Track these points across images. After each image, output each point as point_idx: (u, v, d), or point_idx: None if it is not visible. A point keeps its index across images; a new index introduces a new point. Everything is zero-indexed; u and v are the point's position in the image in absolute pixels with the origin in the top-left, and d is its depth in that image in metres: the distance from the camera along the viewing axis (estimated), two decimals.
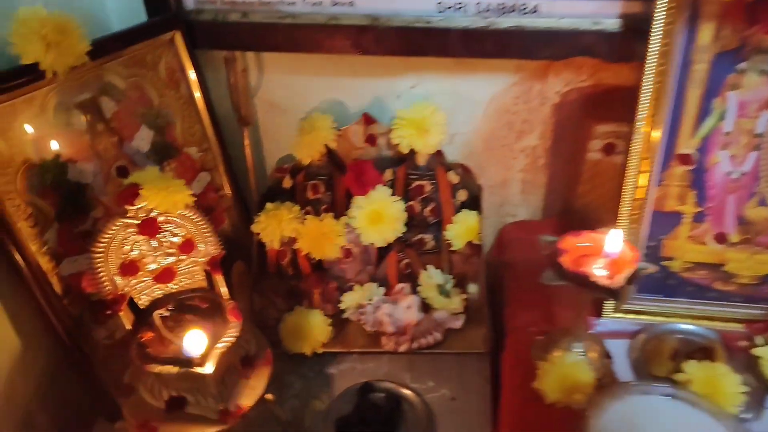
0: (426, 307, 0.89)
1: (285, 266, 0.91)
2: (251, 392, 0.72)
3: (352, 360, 0.90)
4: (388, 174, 0.94)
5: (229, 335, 0.70)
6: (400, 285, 0.89)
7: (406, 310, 0.85)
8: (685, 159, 0.77)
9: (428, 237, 0.95)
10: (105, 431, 0.83)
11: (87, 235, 0.78)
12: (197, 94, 0.88)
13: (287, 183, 0.96)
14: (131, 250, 0.71)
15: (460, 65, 0.90)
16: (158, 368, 0.67)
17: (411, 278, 0.92)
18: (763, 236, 0.79)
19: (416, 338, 0.86)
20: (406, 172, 0.93)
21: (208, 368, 0.67)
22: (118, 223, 0.68)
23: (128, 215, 0.69)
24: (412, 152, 0.91)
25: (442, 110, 0.90)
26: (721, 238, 0.80)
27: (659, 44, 0.71)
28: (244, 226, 0.97)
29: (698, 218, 0.80)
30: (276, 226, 0.89)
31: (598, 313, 0.85)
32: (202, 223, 0.74)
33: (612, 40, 0.79)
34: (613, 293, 0.66)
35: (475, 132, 0.96)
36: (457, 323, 0.89)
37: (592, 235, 0.72)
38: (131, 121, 0.80)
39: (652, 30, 0.71)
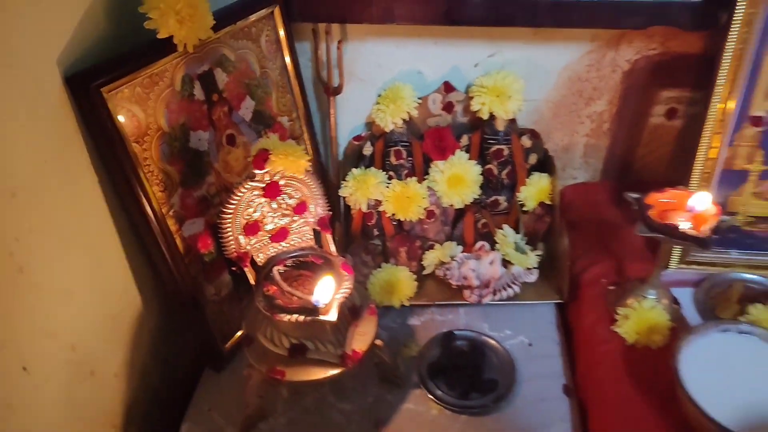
0: (505, 263, 0.96)
1: (371, 228, 0.98)
2: (362, 338, 0.79)
3: (431, 312, 0.98)
4: (464, 140, 1.00)
5: (345, 287, 0.77)
6: (480, 243, 0.96)
7: (489, 266, 0.92)
8: (756, 121, 0.83)
9: (501, 198, 1.01)
10: (212, 381, 0.90)
11: (203, 199, 0.84)
12: (290, 66, 0.93)
13: (367, 150, 1.01)
14: (254, 212, 0.77)
15: (539, 35, 0.95)
16: (287, 317, 0.74)
17: (487, 237, 0.99)
18: None
19: (497, 291, 0.93)
20: (481, 137, 0.99)
21: (332, 316, 0.74)
22: (246, 186, 0.74)
23: (255, 179, 0.75)
24: (491, 118, 0.97)
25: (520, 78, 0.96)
26: None
27: (743, 12, 0.77)
28: (326, 192, 1.03)
29: (764, 176, 0.86)
30: (363, 190, 0.95)
31: (665, 264, 0.93)
32: (315, 186, 0.80)
33: (692, 10, 0.84)
34: (701, 242, 0.73)
35: (546, 99, 1.02)
36: (532, 277, 0.96)
37: (674, 192, 0.79)
38: (239, 91, 0.85)
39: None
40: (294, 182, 0.78)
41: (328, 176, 1.06)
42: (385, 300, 0.94)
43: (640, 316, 0.82)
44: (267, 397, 0.83)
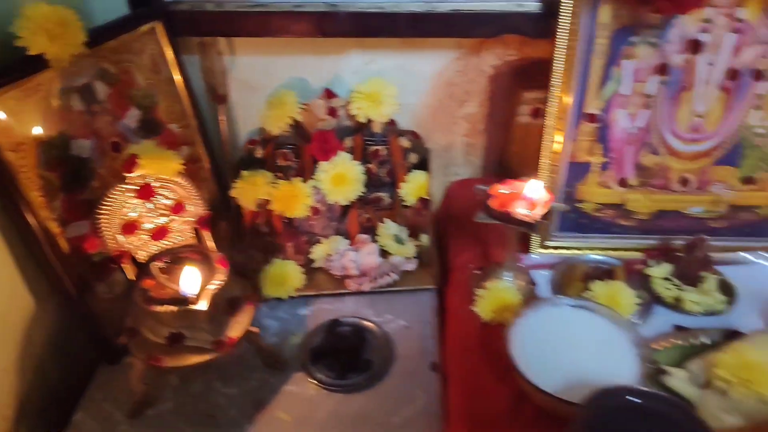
0: (384, 254, 1.05)
1: (260, 225, 1.05)
2: (238, 326, 0.86)
3: (321, 302, 1.05)
4: (347, 142, 1.08)
5: (218, 279, 0.84)
6: (361, 236, 1.04)
7: (367, 256, 1.00)
8: (592, 118, 0.93)
9: (384, 195, 1.09)
10: (106, 374, 0.95)
11: (88, 203, 0.89)
12: (177, 77, 1.00)
13: (259, 153, 1.08)
14: (130, 212, 0.84)
15: (408, 44, 1.03)
16: (159, 308, 0.81)
17: (370, 231, 1.07)
18: (656, 179, 0.97)
19: (376, 279, 1.01)
20: (363, 139, 1.07)
21: (202, 305, 0.80)
22: (119, 189, 0.81)
23: (127, 182, 0.81)
24: (369, 121, 1.05)
25: (394, 84, 1.04)
26: (622, 183, 0.97)
27: (568, 23, 0.86)
28: (221, 193, 1.10)
29: (604, 167, 0.96)
30: (252, 190, 1.02)
31: (527, 249, 1.02)
32: (189, 187, 0.87)
33: (533, 20, 0.93)
34: (532, 227, 0.82)
35: (423, 102, 1.11)
36: (411, 266, 1.04)
37: (514, 183, 0.88)
38: (123, 102, 0.92)
39: (561, 11, 0.86)
40: (168, 184, 0.85)
41: (224, 178, 1.13)
42: (275, 292, 1.01)
43: (494, 295, 0.90)
44: (153, 385, 0.89)
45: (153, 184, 0.83)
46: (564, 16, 0.85)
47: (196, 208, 0.88)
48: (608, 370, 0.74)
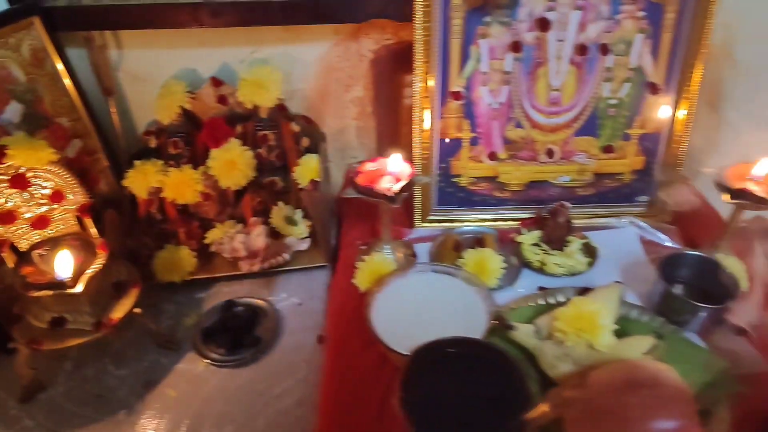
0: (277, 235, 1.09)
1: (154, 213, 1.08)
2: (121, 308, 0.90)
3: (220, 285, 1.09)
4: (238, 128, 1.11)
5: (97, 263, 0.87)
6: (254, 218, 1.08)
7: (256, 238, 1.04)
8: (456, 95, 0.98)
9: (278, 179, 1.13)
10: (2, 361, 0.96)
11: None
12: (62, 71, 1.02)
13: (152, 143, 1.11)
14: (6, 202, 0.86)
15: (289, 31, 1.07)
16: (38, 293, 0.84)
17: (265, 213, 1.11)
18: (523, 152, 1.02)
19: (267, 259, 1.05)
20: (253, 125, 1.11)
21: (78, 288, 0.84)
22: None
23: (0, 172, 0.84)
24: (256, 108, 1.09)
25: (280, 71, 1.08)
26: (492, 156, 1.03)
27: (422, 5, 0.91)
28: (118, 184, 1.13)
29: (474, 142, 1.02)
30: (143, 179, 1.05)
31: (411, 224, 1.07)
32: (67, 176, 0.90)
33: (398, 3, 0.97)
34: (390, 199, 0.87)
35: (311, 88, 1.15)
36: (304, 245, 1.09)
37: (381, 160, 0.93)
38: (2, 96, 0.94)
39: None
40: (43, 173, 0.88)
41: (122, 169, 1.15)
42: (167, 277, 1.05)
43: (370, 267, 0.95)
44: (42, 370, 0.92)
45: (27, 174, 0.86)
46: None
47: (76, 196, 0.91)
48: (460, 328, 0.80)
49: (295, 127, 1.12)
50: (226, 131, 1.10)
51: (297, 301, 1.05)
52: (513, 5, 0.91)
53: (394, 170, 0.90)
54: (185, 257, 1.05)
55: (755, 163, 0.88)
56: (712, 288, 0.87)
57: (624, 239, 1.03)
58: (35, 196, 0.88)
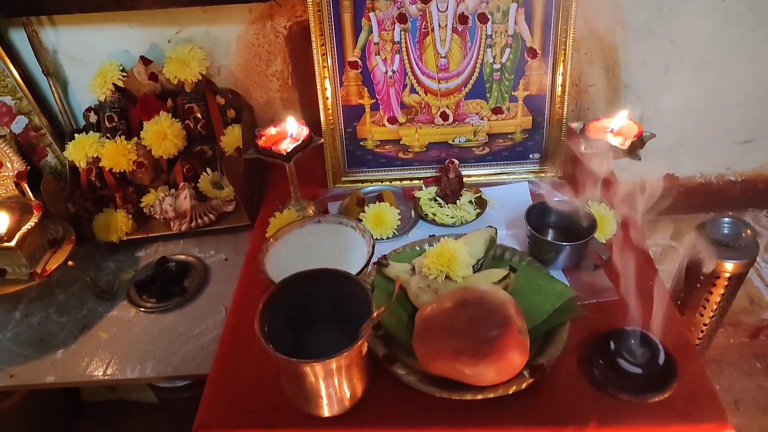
0: (204, 198, 1.20)
1: (93, 180, 1.20)
2: (55, 261, 1.02)
3: (156, 245, 1.21)
4: (169, 103, 1.22)
5: (32, 221, 0.99)
6: (183, 183, 1.19)
7: (183, 200, 1.16)
8: (353, 65, 1.08)
9: (206, 147, 1.24)
10: None
11: None
12: (2, 53, 1.14)
13: (92, 118, 1.23)
14: None
15: (208, 12, 1.18)
16: None
17: (195, 179, 1.22)
18: (421, 116, 1.12)
19: (194, 219, 1.16)
20: (181, 99, 1.22)
21: (12, 243, 0.96)
22: None
23: None
24: (181, 83, 1.19)
25: (203, 49, 1.19)
26: (392, 120, 1.13)
27: None
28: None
29: (374, 107, 1.12)
30: (81, 150, 1.17)
31: (327, 185, 1.18)
32: (6, 148, 1.02)
33: None
34: (283, 157, 0.97)
35: (235, 64, 1.25)
36: (230, 207, 1.20)
37: (282, 124, 1.03)
38: None
39: None
40: None
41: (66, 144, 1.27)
42: (105, 237, 1.16)
43: (279, 221, 1.06)
44: None
45: None
46: None
47: (14, 164, 1.03)
48: (343, 267, 0.90)
49: (220, 100, 1.23)
50: (158, 105, 1.21)
51: (224, 257, 1.17)
52: None
53: (292, 133, 1.01)
54: (121, 219, 1.17)
55: (614, 116, 0.98)
56: (577, 230, 0.97)
57: (515, 193, 1.13)
58: None
